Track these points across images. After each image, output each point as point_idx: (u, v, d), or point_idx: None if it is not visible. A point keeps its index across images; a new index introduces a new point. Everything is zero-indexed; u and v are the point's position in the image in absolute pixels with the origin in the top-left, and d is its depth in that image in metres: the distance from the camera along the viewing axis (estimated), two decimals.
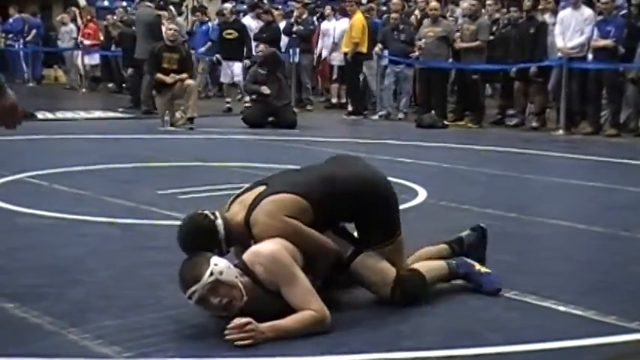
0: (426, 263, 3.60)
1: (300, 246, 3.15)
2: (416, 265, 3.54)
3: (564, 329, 3.25)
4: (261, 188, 3.31)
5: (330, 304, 3.12)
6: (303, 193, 3.24)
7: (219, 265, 3.00)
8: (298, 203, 3.22)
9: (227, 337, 2.90)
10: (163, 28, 11.46)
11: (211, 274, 2.96)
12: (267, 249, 3.07)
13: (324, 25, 14.26)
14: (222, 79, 14.11)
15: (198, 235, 3.19)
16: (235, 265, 3.09)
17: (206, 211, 3.25)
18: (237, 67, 13.40)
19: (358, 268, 3.38)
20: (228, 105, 13.37)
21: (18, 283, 3.71)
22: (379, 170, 3.55)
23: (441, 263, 3.64)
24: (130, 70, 13.39)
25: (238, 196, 3.37)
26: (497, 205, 5.78)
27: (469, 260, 3.72)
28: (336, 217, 3.39)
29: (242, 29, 13.46)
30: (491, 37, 11.68)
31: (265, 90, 11.00)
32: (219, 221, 3.21)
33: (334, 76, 14.46)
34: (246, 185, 3.44)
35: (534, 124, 11.31)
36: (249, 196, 3.29)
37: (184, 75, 10.54)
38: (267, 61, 11.22)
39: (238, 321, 2.92)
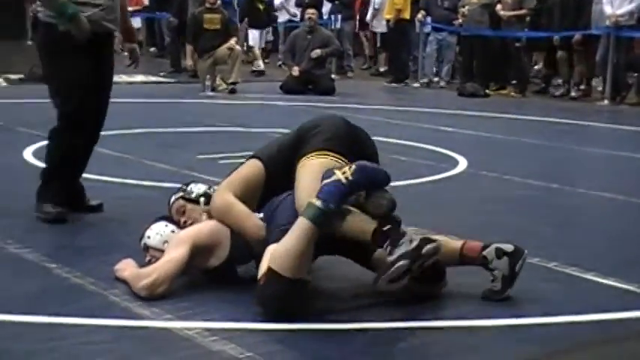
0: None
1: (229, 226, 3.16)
2: None
3: (606, 302, 3.22)
4: None
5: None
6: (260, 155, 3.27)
7: (152, 230, 3.32)
8: (253, 169, 3.23)
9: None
10: None
11: (142, 238, 3.34)
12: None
13: None
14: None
15: None
16: None
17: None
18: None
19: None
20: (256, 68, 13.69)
21: (61, 244, 3.77)
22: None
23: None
24: (172, 19, 13.24)
25: None
26: (539, 176, 5.72)
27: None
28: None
29: None
30: (536, 5, 11.50)
31: (295, 72, 10.97)
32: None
33: (378, 44, 14.38)
34: None
35: (573, 93, 11.14)
36: None
37: (232, 42, 10.52)
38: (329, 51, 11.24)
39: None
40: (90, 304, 3.01)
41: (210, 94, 10.49)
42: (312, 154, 3.08)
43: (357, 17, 14.52)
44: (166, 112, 8.96)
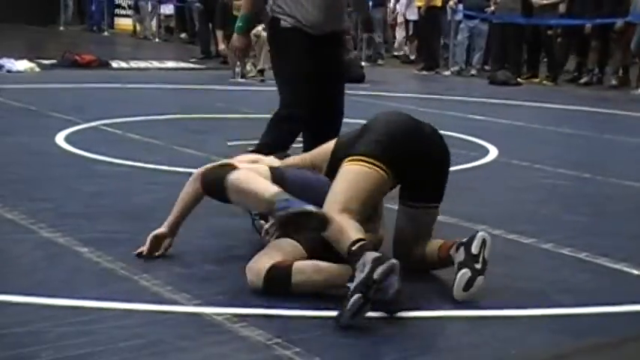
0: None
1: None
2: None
3: (636, 293, 3.19)
4: None
5: None
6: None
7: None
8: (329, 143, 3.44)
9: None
10: None
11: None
12: None
13: None
14: None
15: None
16: None
17: None
18: None
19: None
20: None
21: (92, 229, 3.79)
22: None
23: None
24: (197, 4, 13.29)
25: None
26: (571, 165, 5.66)
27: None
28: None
29: None
30: None
31: None
32: None
33: (410, 32, 14.32)
34: None
35: (613, 82, 11.01)
36: None
37: (259, 28, 10.51)
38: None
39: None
40: (120, 288, 3.03)
41: (241, 80, 10.51)
42: (353, 158, 3.07)
43: (390, 4, 14.46)
44: (196, 98, 8.99)
